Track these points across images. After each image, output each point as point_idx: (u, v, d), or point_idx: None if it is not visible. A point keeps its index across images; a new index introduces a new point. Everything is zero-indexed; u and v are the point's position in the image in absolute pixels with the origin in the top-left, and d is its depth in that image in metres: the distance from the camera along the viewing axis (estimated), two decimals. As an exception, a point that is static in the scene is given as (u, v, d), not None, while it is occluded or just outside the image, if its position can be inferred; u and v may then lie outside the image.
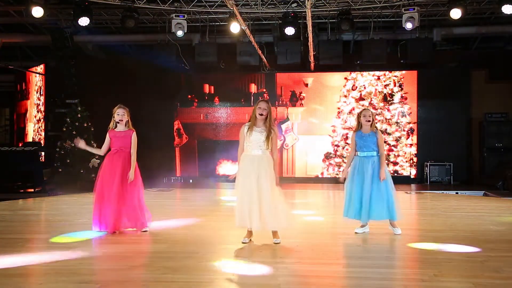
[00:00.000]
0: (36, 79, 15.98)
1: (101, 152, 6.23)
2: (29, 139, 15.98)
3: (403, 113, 14.33)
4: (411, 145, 14.26)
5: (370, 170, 5.95)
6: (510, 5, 10.53)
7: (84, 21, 11.43)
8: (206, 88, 15.15)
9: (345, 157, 14.42)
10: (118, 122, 6.15)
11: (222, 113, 15.10)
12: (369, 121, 6.01)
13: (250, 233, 5.49)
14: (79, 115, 13.20)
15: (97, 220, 6.00)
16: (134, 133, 6.18)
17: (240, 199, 5.36)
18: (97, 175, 6.18)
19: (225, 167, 14.87)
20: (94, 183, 6.14)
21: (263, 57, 13.70)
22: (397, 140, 14.23)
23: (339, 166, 14.51)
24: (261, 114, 5.40)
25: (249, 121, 5.49)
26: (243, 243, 5.41)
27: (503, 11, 10.70)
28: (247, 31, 11.97)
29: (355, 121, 6.24)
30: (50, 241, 5.58)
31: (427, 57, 13.11)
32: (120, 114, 6.14)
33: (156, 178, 12.84)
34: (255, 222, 5.28)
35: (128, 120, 6.21)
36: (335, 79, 14.65)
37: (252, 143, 5.40)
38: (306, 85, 14.73)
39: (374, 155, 6.02)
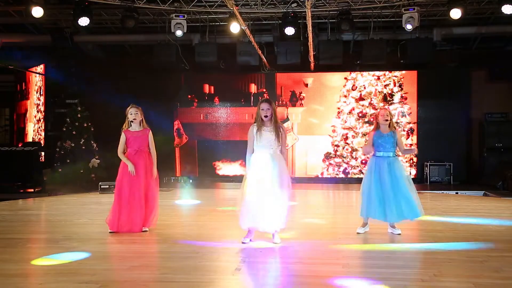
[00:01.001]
0: (36, 79, 15.98)
1: (121, 153, 6.15)
2: (29, 139, 15.98)
3: (403, 113, 14.33)
4: (411, 145, 14.24)
5: (387, 169, 5.93)
6: (510, 5, 10.52)
7: (84, 21, 11.43)
8: (206, 88, 15.15)
9: (345, 157, 14.42)
10: (132, 122, 6.15)
11: (222, 113, 15.09)
12: (386, 120, 6.02)
13: (250, 233, 5.48)
14: (79, 115, 13.21)
15: (116, 221, 6.00)
16: (150, 132, 6.23)
17: (250, 200, 5.31)
18: (118, 176, 6.15)
19: (225, 167, 14.88)
20: (116, 184, 6.12)
21: (263, 57, 13.70)
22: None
23: (339, 166, 14.52)
24: (266, 116, 5.38)
25: (254, 122, 5.47)
26: (243, 243, 5.40)
27: (503, 11, 10.69)
28: (247, 31, 11.97)
29: (373, 122, 6.24)
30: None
31: (427, 57, 13.11)
32: (133, 114, 6.14)
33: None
34: (267, 223, 5.26)
35: (142, 119, 6.22)
36: (335, 79, 14.64)
37: (263, 144, 5.37)
38: (306, 85, 14.73)
39: (390, 156, 6.01)
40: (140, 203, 6.02)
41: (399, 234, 5.94)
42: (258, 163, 5.37)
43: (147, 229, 6.11)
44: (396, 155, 6.10)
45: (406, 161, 14.25)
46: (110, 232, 5.96)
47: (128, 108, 6.19)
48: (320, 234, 6.23)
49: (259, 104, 5.44)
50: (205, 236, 6.00)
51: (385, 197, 5.88)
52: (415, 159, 14.25)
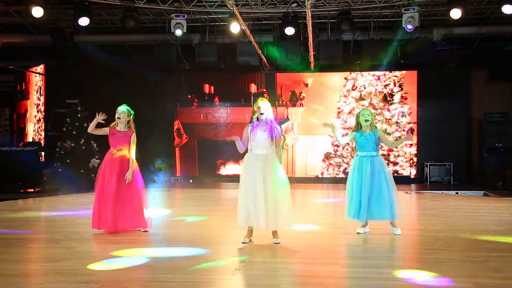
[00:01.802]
0: (36, 79, 15.98)
1: (90, 128, 6.10)
2: (29, 139, 15.98)
3: (403, 113, 14.32)
4: (411, 145, 14.25)
5: (369, 169, 5.96)
6: (510, 5, 10.51)
7: (84, 21, 11.42)
8: (206, 88, 15.15)
9: (345, 157, 14.42)
10: (116, 120, 6.13)
11: (222, 113, 15.09)
12: (367, 120, 6.03)
13: (250, 233, 5.48)
14: (79, 115, 13.20)
15: (96, 219, 5.99)
16: (134, 134, 6.13)
17: (245, 199, 5.34)
18: (97, 173, 6.18)
19: (225, 167, 14.87)
20: (95, 182, 6.14)
21: (263, 57, 13.70)
22: (397, 140, 14.21)
23: (339, 166, 14.51)
24: (262, 113, 5.40)
25: (250, 122, 5.48)
26: (243, 243, 5.40)
27: (503, 11, 10.69)
28: (247, 31, 11.97)
29: (354, 121, 6.25)
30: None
31: (427, 57, 13.10)
32: (119, 112, 6.12)
33: (156, 178, 12.86)
34: (262, 222, 5.27)
35: (129, 121, 6.18)
36: (335, 79, 14.64)
37: (257, 143, 5.39)
38: (306, 85, 14.73)
39: (373, 155, 6.03)
40: (112, 204, 5.93)
41: (399, 234, 5.94)
42: (252, 162, 5.38)
43: (147, 230, 6.10)
44: (381, 155, 6.13)
45: (406, 161, 14.26)
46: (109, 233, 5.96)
47: (118, 107, 6.18)
48: (320, 234, 6.24)
49: (255, 103, 5.47)
50: (205, 236, 6.00)
51: (362, 196, 5.93)
52: (415, 159, 14.25)
